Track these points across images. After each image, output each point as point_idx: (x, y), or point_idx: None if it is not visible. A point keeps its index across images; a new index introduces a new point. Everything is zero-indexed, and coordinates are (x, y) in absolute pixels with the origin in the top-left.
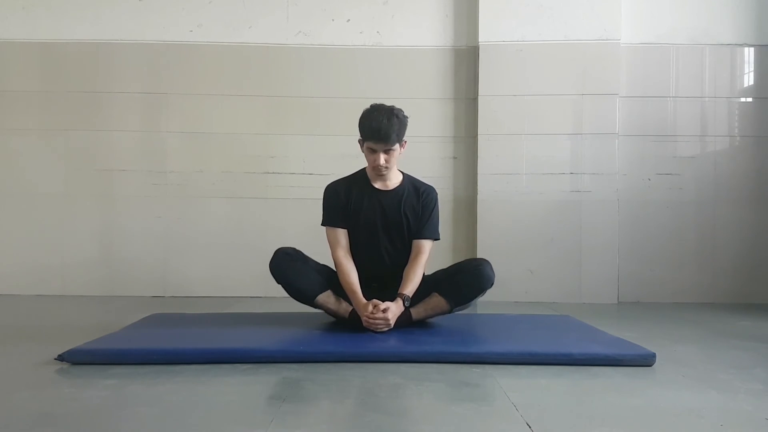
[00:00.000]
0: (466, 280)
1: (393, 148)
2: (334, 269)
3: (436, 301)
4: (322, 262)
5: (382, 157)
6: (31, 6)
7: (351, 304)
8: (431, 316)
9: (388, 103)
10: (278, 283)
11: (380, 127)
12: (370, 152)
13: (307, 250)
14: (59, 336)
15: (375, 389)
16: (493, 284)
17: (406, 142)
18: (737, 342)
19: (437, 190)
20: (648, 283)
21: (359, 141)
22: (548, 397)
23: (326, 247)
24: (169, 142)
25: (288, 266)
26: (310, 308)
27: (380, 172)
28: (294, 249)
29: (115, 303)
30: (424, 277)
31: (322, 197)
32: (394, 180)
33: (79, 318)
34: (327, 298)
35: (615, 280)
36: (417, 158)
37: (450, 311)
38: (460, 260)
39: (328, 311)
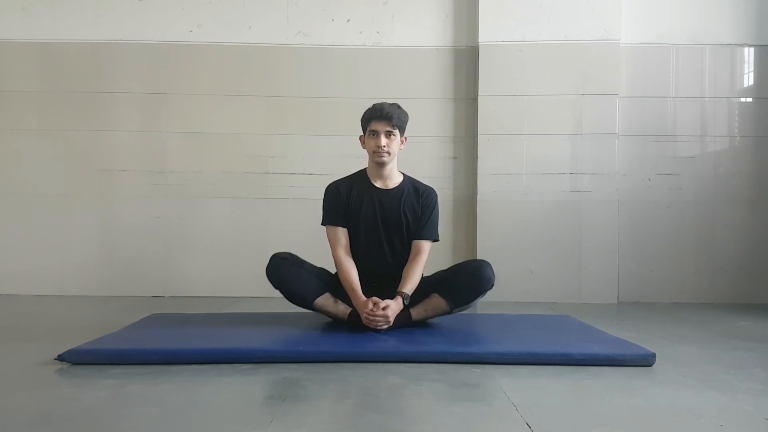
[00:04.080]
0: (465, 281)
1: (394, 132)
2: (331, 271)
3: (436, 301)
4: (320, 264)
5: (383, 139)
6: (31, 6)
7: (349, 305)
8: (431, 317)
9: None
10: (275, 288)
11: (383, 107)
12: (372, 136)
13: (307, 250)
14: (59, 336)
15: (375, 389)
16: (493, 286)
17: (406, 138)
18: (737, 342)
19: (437, 191)
20: (648, 283)
21: (360, 138)
22: (548, 397)
23: (326, 248)
24: (169, 142)
25: (284, 271)
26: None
27: (381, 156)
28: (290, 254)
29: (115, 303)
30: (424, 278)
31: (322, 197)
32: (394, 179)
33: (79, 318)
34: (325, 300)
35: (615, 280)
36: (417, 158)
37: (450, 312)
38: (460, 261)
39: (326, 314)
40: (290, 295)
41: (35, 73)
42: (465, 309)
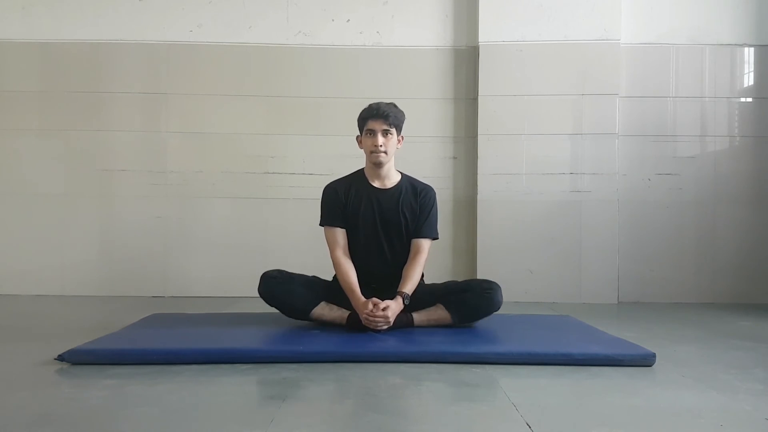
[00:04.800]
0: (474, 301)
1: (391, 131)
2: (323, 279)
3: (441, 313)
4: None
5: (380, 138)
6: (31, 6)
7: (346, 309)
8: (433, 326)
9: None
10: (271, 306)
11: (379, 106)
12: (369, 136)
13: (307, 250)
14: (59, 336)
15: (375, 389)
16: (499, 309)
17: (403, 137)
18: (737, 342)
19: (437, 190)
20: (648, 283)
21: (357, 138)
22: (548, 397)
23: (326, 248)
24: (169, 142)
25: (276, 289)
26: None
27: (378, 155)
28: (278, 271)
29: (115, 303)
30: (432, 285)
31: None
32: (392, 179)
33: (79, 318)
34: (321, 310)
35: (615, 280)
36: (417, 158)
37: (452, 326)
38: (460, 261)
39: (325, 322)
40: (286, 311)
41: (35, 73)
42: (468, 326)
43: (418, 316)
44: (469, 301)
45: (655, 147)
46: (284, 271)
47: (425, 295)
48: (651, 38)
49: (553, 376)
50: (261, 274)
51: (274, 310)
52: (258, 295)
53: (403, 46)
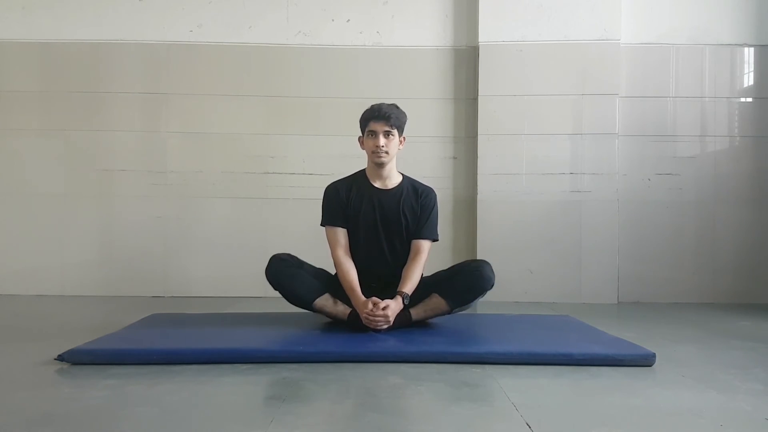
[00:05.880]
0: (465, 281)
1: (392, 132)
2: (331, 272)
3: (436, 301)
4: (320, 265)
5: (382, 139)
6: (31, 6)
7: (349, 305)
8: (431, 317)
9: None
10: (275, 289)
11: (381, 107)
12: (370, 137)
13: (307, 250)
14: (59, 336)
15: (375, 389)
16: (493, 286)
17: (405, 138)
18: (737, 342)
19: (437, 191)
20: (648, 283)
21: (359, 139)
22: (548, 397)
23: (327, 248)
24: (169, 142)
25: (284, 272)
26: None
27: (380, 156)
28: (289, 255)
29: (115, 303)
30: (424, 278)
31: (322, 197)
32: (393, 180)
33: (79, 318)
34: (325, 301)
35: (615, 280)
36: (417, 158)
37: (450, 312)
38: (460, 261)
39: (326, 314)
40: (290, 296)
41: (35, 73)
42: (465, 309)
43: (415, 311)
44: (460, 283)
45: (655, 147)
46: (294, 256)
47: (419, 290)
48: (651, 38)
49: (553, 376)
50: (271, 256)
51: (274, 309)
52: (255, 295)
53: (403, 46)
